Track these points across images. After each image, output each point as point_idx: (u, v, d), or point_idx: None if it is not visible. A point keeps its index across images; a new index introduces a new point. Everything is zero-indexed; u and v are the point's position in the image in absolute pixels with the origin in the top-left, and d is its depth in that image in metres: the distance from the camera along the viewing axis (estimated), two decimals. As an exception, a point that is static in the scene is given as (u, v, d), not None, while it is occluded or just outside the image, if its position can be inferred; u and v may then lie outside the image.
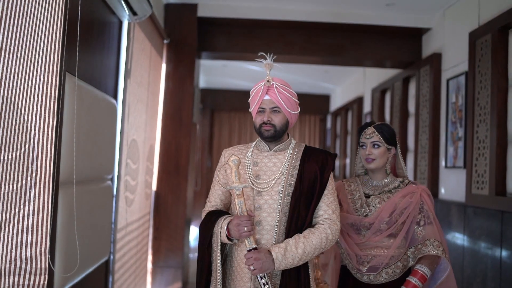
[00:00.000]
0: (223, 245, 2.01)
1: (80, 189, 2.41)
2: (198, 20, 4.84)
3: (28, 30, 1.80)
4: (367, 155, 2.31)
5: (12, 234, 1.79)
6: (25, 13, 1.79)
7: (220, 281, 1.97)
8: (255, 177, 2.03)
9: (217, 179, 2.11)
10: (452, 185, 4.38)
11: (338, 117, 9.07)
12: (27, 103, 1.81)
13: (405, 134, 5.54)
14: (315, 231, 1.98)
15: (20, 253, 1.80)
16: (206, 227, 2.03)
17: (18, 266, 1.80)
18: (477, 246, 3.79)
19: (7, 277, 1.79)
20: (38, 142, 1.84)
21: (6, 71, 1.75)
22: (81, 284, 2.57)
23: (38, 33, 1.83)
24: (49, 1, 1.85)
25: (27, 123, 1.80)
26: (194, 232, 8.95)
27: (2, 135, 1.75)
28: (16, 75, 1.78)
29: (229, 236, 1.95)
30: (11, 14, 1.75)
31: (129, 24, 3.38)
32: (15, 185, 1.78)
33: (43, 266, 1.85)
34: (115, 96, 3.24)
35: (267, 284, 1.90)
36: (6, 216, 1.76)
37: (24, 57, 1.80)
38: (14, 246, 1.79)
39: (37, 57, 1.83)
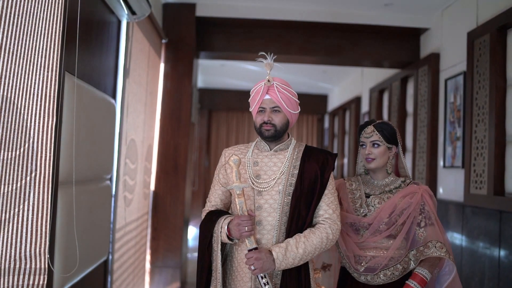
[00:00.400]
0: (223, 245, 2.01)
1: (79, 189, 2.40)
2: (196, 20, 4.83)
3: (27, 29, 1.80)
4: (367, 155, 2.27)
5: (12, 234, 1.78)
6: (24, 12, 1.78)
7: (220, 281, 1.96)
8: (255, 176, 2.03)
9: (217, 179, 2.11)
10: (450, 185, 4.38)
11: (336, 117, 9.08)
12: (27, 103, 1.81)
13: (403, 134, 5.55)
14: (315, 230, 1.98)
15: (20, 253, 1.80)
16: (206, 227, 2.03)
17: (17, 266, 1.80)
18: (475, 245, 3.80)
19: (6, 277, 1.78)
20: (38, 142, 1.83)
21: (6, 70, 1.74)
22: (80, 284, 2.56)
23: (37, 32, 1.83)
24: (48, 0, 1.84)
25: (26, 123, 1.80)
26: (192, 232, 8.95)
27: (2, 135, 1.74)
28: (15, 74, 1.77)
29: (229, 236, 1.95)
30: (10, 13, 1.74)
31: (127, 23, 3.37)
32: (14, 185, 1.78)
33: (42, 266, 1.84)
34: (114, 96, 3.23)
35: (268, 284, 1.90)
36: (5, 216, 1.76)
37: (23, 56, 1.79)
38: (13, 246, 1.78)
39: (36, 56, 1.83)
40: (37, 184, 1.83)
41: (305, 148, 2.10)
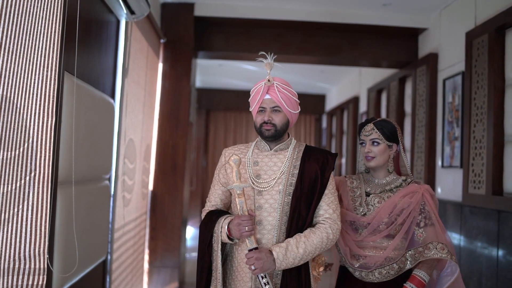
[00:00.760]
0: (223, 244, 2.01)
1: (78, 189, 2.40)
2: (195, 20, 4.83)
3: (27, 29, 1.79)
4: (367, 153, 2.24)
5: (11, 234, 1.78)
6: (24, 11, 1.78)
7: (220, 281, 1.96)
8: (255, 176, 2.03)
9: (218, 179, 2.11)
10: (449, 185, 4.39)
11: (333, 117, 9.09)
12: (26, 102, 1.80)
13: (402, 134, 5.54)
14: (316, 230, 1.98)
15: (19, 253, 1.79)
16: (206, 226, 2.02)
17: (17, 266, 1.79)
18: (473, 245, 3.81)
19: (5, 277, 1.78)
20: (37, 142, 1.83)
21: (5, 70, 1.74)
22: (79, 284, 2.55)
23: (37, 31, 1.82)
24: (48, 0, 1.83)
25: (25, 122, 1.79)
26: (190, 232, 8.94)
27: (1, 134, 1.74)
28: (15, 73, 1.77)
29: (229, 235, 1.95)
30: (10, 12, 1.74)
31: (126, 23, 3.37)
32: (13, 185, 1.77)
33: (41, 266, 1.84)
34: (112, 96, 3.23)
35: (268, 283, 1.89)
36: (4, 216, 1.75)
37: (23, 55, 1.79)
38: (12, 246, 1.78)
39: (36, 55, 1.82)
40: (36, 183, 1.83)
41: (305, 148, 2.10)
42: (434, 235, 2.16)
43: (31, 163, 1.81)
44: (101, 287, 3.11)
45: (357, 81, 7.37)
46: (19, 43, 1.77)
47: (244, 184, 1.93)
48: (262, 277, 1.90)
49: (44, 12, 1.84)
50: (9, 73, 1.75)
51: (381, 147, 2.24)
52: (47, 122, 1.84)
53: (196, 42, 5.00)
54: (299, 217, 1.98)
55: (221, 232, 1.96)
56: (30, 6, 1.79)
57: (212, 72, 8.07)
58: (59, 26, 1.86)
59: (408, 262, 2.15)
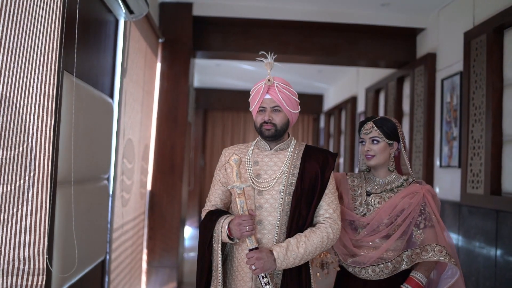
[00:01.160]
0: (223, 244, 2.01)
1: (77, 189, 2.39)
2: (193, 19, 4.82)
3: (26, 28, 1.79)
4: (366, 152, 2.21)
5: (10, 234, 1.77)
6: (23, 10, 1.77)
7: (220, 281, 1.96)
8: (255, 176, 2.03)
9: (218, 179, 2.10)
10: (447, 185, 4.40)
11: (331, 117, 9.10)
12: (25, 102, 1.80)
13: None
14: (316, 230, 1.98)
15: (18, 253, 1.78)
16: (206, 226, 2.02)
17: (16, 266, 1.79)
18: (472, 245, 3.81)
19: (5, 277, 1.77)
20: (36, 141, 1.82)
21: (4, 69, 1.73)
22: (78, 284, 2.55)
23: (36, 31, 1.82)
24: (47, -1, 1.83)
25: (25, 122, 1.79)
26: (188, 231, 8.93)
27: (0, 134, 1.73)
28: (14, 73, 1.76)
29: (230, 235, 1.95)
30: (9, 11, 1.73)
31: (125, 22, 3.36)
32: (12, 185, 1.77)
33: (41, 266, 1.83)
34: (111, 95, 3.22)
35: (269, 283, 1.89)
36: (4, 216, 1.75)
37: (22, 55, 1.78)
38: (12, 247, 1.77)
39: (35, 55, 1.82)
40: (36, 183, 1.82)
41: (305, 148, 2.10)
42: (433, 237, 2.13)
43: (30, 163, 1.80)
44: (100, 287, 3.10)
45: (355, 81, 7.38)
46: (19, 42, 1.76)
47: (244, 184, 1.93)
48: (263, 277, 1.90)
49: (44, 11, 1.83)
50: (9, 72, 1.74)
51: (381, 145, 2.21)
52: (46, 122, 1.83)
53: (194, 41, 5.00)
54: (300, 217, 1.98)
55: (221, 232, 1.95)
56: (30, 5, 1.79)
57: (210, 72, 8.06)
58: (58, 25, 1.86)
59: (404, 263, 2.12)
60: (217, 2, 4.78)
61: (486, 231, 3.61)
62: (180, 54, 4.78)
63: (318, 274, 2.26)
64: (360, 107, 7.06)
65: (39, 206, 1.82)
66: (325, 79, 8.41)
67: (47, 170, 1.83)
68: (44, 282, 1.83)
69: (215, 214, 2.04)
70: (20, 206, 1.78)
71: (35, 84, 1.81)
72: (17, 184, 1.77)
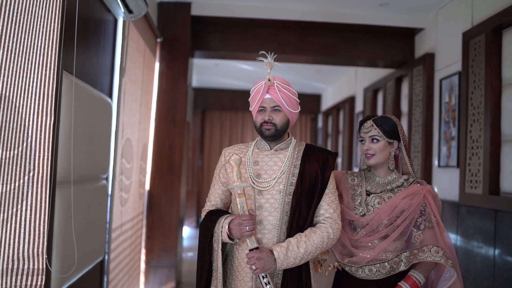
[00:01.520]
0: (223, 244, 2.01)
1: (76, 189, 2.39)
2: (191, 19, 4.82)
3: (25, 28, 1.78)
4: (366, 150, 2.19)
5: (9, 234, 1.76)
6: (23, 10, 1.77)
7: (221, 281, 1.96)
8: (255, 176, 2.02)
9: (218, 178, 2.10)
10: (445, 184, 4.41)
11: (329, 117, 9.10)
12: (25, 101, 1.79)
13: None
14: (316, 230, 1.98)
15: (18, 253, 1.78)
16: (206, 226, 2.02)
17: (15, 266, 1.78)
18: (470, 245, 3.82)
19: (4, 277, 1.77)
20: (36, 141, 1.82)
21: (4, 69, 1.73)
22: (77, 284, 2.54)
23: (35, 31, 1.81)
24: (47, -2, 1.83)
25: (24, 122, 1.78)
26: (187, 231, 8.93)
27: (-1, 134, 1.72)
28: (13, 72, 1.76)
29: (230, 235, 1.95)
30: (9, 11, 1.72)
31: (124, 22, 3.35)
32: (12, 185, 1.76)
33: (40, 266, 1.83)
34: (110, 95, 3.22)
35: (269, 283, 1.89)
36: (3, 216, 1.74)
37: (21, 54, 1.77)
38: (11, 247, 1.77)
39: (34, 54, 1.81)
40: (35, 183, 1.82)
41: (306, 147, 2.10)
42: (432, 238, 2.11)
43: (29, 163, 1.80)
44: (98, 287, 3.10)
45: (353, 81, 7.38)
46: (18, 41, 1.76)
47: (244, 183, 1.93)
48: (263, 277, 1.89)
49: (43, 10, 1.83)
50: (8, 71, 1.74)
51: (380, 144, 2.19)
52: (45, 121, 1.83)
53: (192, 41, 4.99)
54: (300, 217, 1.98)
55: (221, 232, 1.95)
56: (29, 4, 1.78)
57: (208, 72, 8.06)
58: (57, 24, 1.85)
59: (402, 264, 2.10)
60: (216, 1, 4.78)
61: (485, 231, 3.62)
62: (178, 54, 4.78)
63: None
64: (358, 107, 7.07)
65: (38, 206, 1.81)
66: (323, 79, 8.41)
67: (47, 169, 1.83)
68: (43, 282, 1.83)
69: (215, 214, 2.04)
70: (19, 206, 1.78)
71: (34, 84, 1.81)
72: (17, 184, 1.77)
